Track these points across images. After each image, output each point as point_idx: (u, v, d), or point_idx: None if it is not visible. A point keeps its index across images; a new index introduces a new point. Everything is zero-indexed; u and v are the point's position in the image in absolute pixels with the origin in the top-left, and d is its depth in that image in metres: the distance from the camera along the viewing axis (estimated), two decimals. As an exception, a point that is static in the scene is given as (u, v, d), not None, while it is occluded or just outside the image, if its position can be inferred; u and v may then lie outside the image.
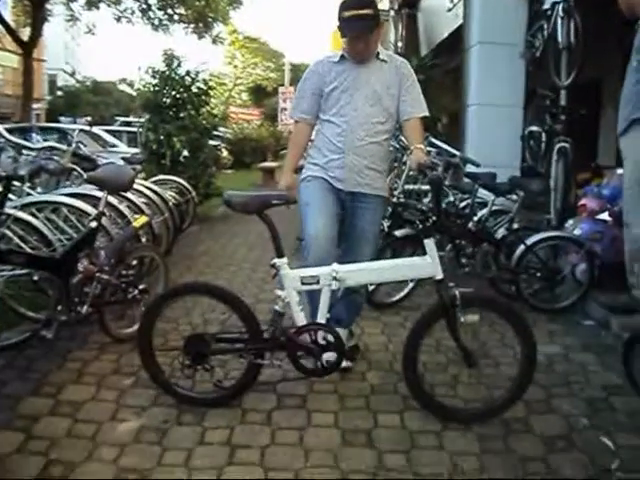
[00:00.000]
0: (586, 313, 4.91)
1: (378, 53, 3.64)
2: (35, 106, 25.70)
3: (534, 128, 6.93)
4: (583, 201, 5.43)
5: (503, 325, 3.29)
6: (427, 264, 3.18)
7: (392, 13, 16.79)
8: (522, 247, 5.04)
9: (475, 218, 5.38)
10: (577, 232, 5.20)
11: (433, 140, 6.12)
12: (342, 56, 3.65)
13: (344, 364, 3.55)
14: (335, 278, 3.15)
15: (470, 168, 6.01)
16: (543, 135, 6.65)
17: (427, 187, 5.94)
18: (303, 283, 3.21)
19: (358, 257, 3.61)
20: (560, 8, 5.99)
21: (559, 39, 6.03)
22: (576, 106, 6.34)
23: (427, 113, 3.78)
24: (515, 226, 5.35)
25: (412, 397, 3.27)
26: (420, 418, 3.20)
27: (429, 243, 3.19)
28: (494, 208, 5.45)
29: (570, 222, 5.41)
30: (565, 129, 6.07)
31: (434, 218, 3.38)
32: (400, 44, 15.62)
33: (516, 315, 3.20)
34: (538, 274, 5.13)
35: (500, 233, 5.34)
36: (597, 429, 3.11)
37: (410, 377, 3.21)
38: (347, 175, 3.63)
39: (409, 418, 3.20)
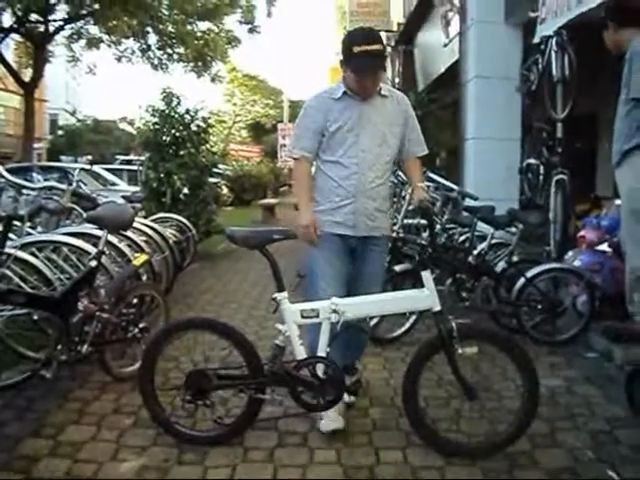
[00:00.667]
0: (588, 345, 4.88)
1: (380, 88, 3.58)
2: (36, 145, 25.93)
3: (532, 161, 6.97)
4: (582, 232, 5.45)
5: (503, 358, 3.27)
6: (425, 296, 3.20)
7: (389, 49, 17.04)
8: (522, 280, 5.04)
9: (475, 252, 5.39)
10: (577, 263, 5.20)
11: (431, 175, 6.16)
12: (344, 92, 3.56)
13: (347, 399, 3.54)
14: (335, 311, 3.15)
15: (469, 202, 6.04)
16: (541, 167, 6.68)
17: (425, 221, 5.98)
18: (303, 317, 3.22)
19: None
20: (554, 42, 6.07)
21: (554, 72, 6.09)
22: (573, 138, 6.38)
23: (427, 151, 3.80)
24: (515, 259, 5.36)
25: (414, 432, 3.25)
26: (422, 454, 3.17)
27: (426, 275, 3.20)
28: (493, 241, 5.46)
29: (570, 254, 5.42)
30: (562, 161, 6.11)
31: (430, 250, 3.38)
32: (397, 80, 15.81)
33: (516, 347, 3.18)
34: (539, 306, 5.12)
35: (500, 266, 5.35)
36: (602, 462, 3.08)
37: (411, 411, 3.19)
38: (358, 220, 3.58)
39: (412, 454, 3.17)
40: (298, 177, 3.73)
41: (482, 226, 5.57)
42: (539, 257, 5.72)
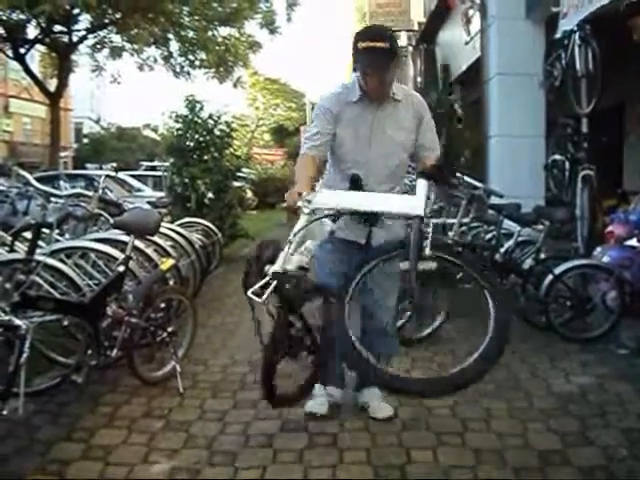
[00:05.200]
0: (619, 341, 4.82)
1: (394, 93, 3.44)
2: (62, 154, 26.25)
3: (557, 157, 6.91)
4: (610, 228, 5.38)
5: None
6: (415, 201, 3.04)
7: (410, 49, 17.00)
8: (550, 277, 5.00)
9: (501, 250, 5.35)
10: (606, 259, 5.14)
11: (456, 173, 6.11)
12: (361, 96, 3.44)
13: (388, 413, 3.54)
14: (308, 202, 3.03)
15: (494, 200, 6.00)
16: (566, 163, 6.62)
17: (452, 221, 5.93)
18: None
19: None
20: (577, 36, 6.01)
21: (577, 67, 6.04)
22: (598, 133, 6.32)
23: (438, 154, 3.60)
24: (542, 256, 5.31)
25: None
26: (453, 453, 3.16)
27: (421, 182, 3.03)
28: (520, 239, 5.42)
29: (598, 249, 5.35)
30: (588, 156, 6.05)
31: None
32: (419, 79, 15.76)
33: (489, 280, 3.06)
34: (568, 303, 5.08)
35: (527, 264, 5.30)
36: (636, 460, 3.04)
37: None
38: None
39: (442, 453, 3.16)
40: (299, 164, 3.46)
41: (508, 224, 5.54)
42: (567, 254, 5.66)
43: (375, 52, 3.22)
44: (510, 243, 5.40)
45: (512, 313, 2.99)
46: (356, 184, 3.23)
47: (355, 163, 3.44)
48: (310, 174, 3.35)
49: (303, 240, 3.08)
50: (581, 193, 5.98)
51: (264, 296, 2.93)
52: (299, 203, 3.05)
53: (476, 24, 9.34)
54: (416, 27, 16.20)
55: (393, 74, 3.38)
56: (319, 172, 3.61)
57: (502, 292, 3.07)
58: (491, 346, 2.81)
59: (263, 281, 2.95)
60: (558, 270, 5.01)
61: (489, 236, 6.04)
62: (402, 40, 18.88)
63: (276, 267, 2.95)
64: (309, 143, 3.45)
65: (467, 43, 10.27)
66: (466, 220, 6.11)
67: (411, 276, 2.94)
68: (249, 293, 2.96)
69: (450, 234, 5.43)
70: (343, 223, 3.30)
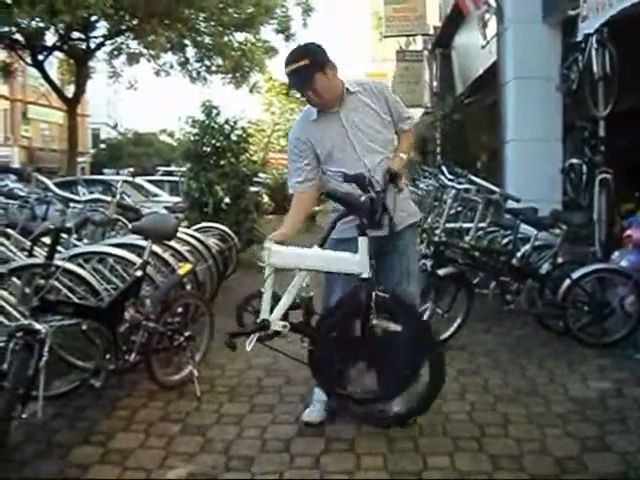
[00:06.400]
0: (638, 346, 4.78)
1: (346, 88, 3.52)
2: (80, 160, 26.43)
3: (574, 161, 6.87)
4: (629, 232, 5.33)
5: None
6: (356, 261, 3.24)
7: (426, 53, 16.99)
8: (568, 281, 4.97)
9: (518, 254, 5.33)
10: (624, 263, 5.10)
11: (472, 178, 6.10)
12: (318, 111, 3.55)
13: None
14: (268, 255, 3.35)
15: (511, 204, 5.98)
16: (584, 167, 6.58)
17: (469, 225, 5.92)
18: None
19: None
20: (594, 39, 5.98)
21: (594, 70, 6.01)
22: (616, 136, 6.28)
23: (412, 123, 3.75)
24: (560, 260, 5.27)
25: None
26: (470, 459, 3.14)
27: (362, 240, 3.22)
28: (537, 243, 5.39)
29: (616, 254, 5.32)
30: (606, 160, 6.01)
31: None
32: (435, 83, 15.75)
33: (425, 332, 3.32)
34: (586, 308, 5.04)
35: (545, 268, 5.27)
36: (655, 466, 3.01)
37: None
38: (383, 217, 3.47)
39: (459, 459, 3.15)
40: (296, 202, 3.68)
41: (525, 228, 5.51)
42: (584, 258, 5.62)
43: (295, 73, 3.42)
44: (527, 247, 5.37)
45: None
46: (362, 185, 3.27)
47: (350, 164, 3.47)
48: (296, 218, 3.64)
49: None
50: (599, 197, 5.94)
51: (248, 347, 3.36)
52: (263, 253, 3.40)
53: (492, 28, 9.32)
54: (432, 31, 16.19)
55: (328, 80, 3.45)
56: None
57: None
58: None
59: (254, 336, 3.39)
60: (576, 275, 4.97)
61: (506, 240, 6.02)
62: (418, 44, 18.91)
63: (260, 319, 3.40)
64: (293, 180, 3.65)
65: (483, 47, 10.24)
66: (483, 224, 6.11)
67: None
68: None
69: (466, 238, 5.42)
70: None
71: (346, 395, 3.43)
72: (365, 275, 3.21)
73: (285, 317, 3.39)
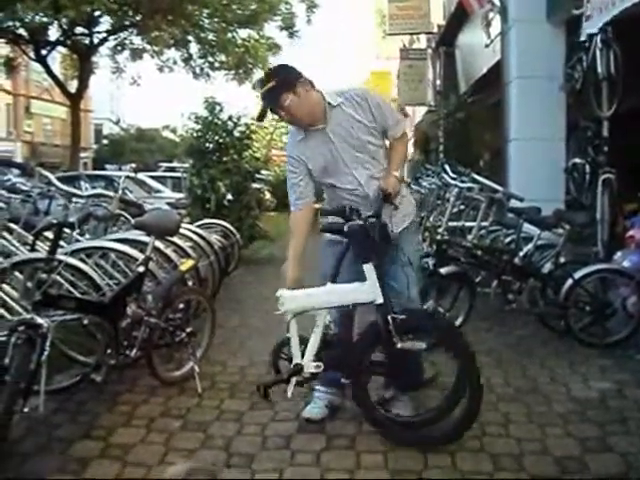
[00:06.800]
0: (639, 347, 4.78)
1: (327, 102, 3.48)
2: (83, 155, 26.45)
3: (577, 160, 6.87)
4: (631, 232, 5.33)
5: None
6: (366, 289, 3.24)
7: (430, 51, 16.96)
8: (570, 281, 4.96)
9: (520, 253, 5.32)
10: (626, 264, 5.10)
11: (475, 176, 6.10)
12: (303, 130, 3.55)
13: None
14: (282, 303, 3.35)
15: (514, 203, 5.97)
16: (587, 167, 6.58)
17: (471, 224, 5.92)
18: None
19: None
20: (598, 39, 5.97)
21: (599, 70, 6.00)
22: (619, 136, 6.27)
23: (402, 130, 3.69)
24: (562, 260, 5.27)
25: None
26: (472, 459, 3.14)
27: (368, 267, 3.22)
28: (539, 242, 5.38)
29: (618, 254, 5.31)
30: (609, 160, 6.00)
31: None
32: (438, 82, 15.74)
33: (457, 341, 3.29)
34: (587, 308, 5.03)
35: (547, 268, 5.27)
36: (656, 467, 3.01)
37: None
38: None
39: (460, 459, 3.14)
40: (294, 226, 3.67)
41: (528, 227, 5.50)
42: (587, 258, 5.62)
43: (264, 96, 3.48)
44: (529, 247, 5.36)
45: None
46: (343, 216, 3.30)
47: (342, 178, 3.54)
48: (298, 250, 3.58)
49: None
50: (601, 197, 5.93)
51: (289, 394, 3.42)
52: (279, 302, 3.38)
53: (496, 27, 9.30)
54: (436, 30, 16.17)
55: (299, 98, 3.42)
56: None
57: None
58: None
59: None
60: (578, 274, 4.97)
61: (508, 239, 6.01)
62: (422, 43, 18.89)
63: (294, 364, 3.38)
64: (293, 197, 3.66)
65: (487, 46, 10.22)
66: (485, 223, 6.10)
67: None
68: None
69: (469, 237, 5.41)
70: None
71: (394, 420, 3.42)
72: (379, 301, 3.21)
73: (319, 357, 3.38)
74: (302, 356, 3.37)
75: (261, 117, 3.63)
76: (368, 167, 3.52)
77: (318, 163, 3.53)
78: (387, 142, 3.66)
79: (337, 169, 3.53)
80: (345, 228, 3.24)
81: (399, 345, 3.15)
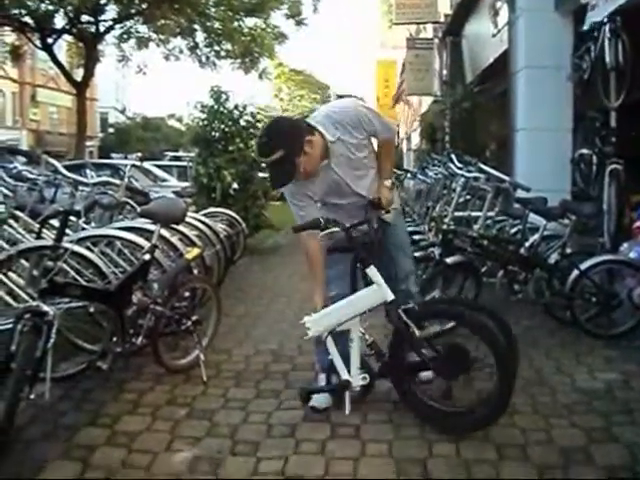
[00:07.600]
0: (645, 338, 4.77)
1: (330, 141, 3.46)
2: (88, 143, 26.45)
3: (584, 151, 6.83)
4: (638, 223, 5.31)
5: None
6: (376, 291, 3.29)
7: (436, 41, 16.87)
8: (576, 272, 4.94)
9: (527, 243, 5.31)
10: (632, 255, 5.08)
11: (482, 166, 6.07)
12: None
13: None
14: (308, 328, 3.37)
15: (520, 193, 5.95)
16: (594, 157, 6.54)
17: (477, 214, 5.90)
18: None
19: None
20: (607, 28, 5.92)
21: (607, 60, 5.96)
22: (627, 127, 6.24)
23: (390, 133, 3.77)
24: (568, 251, 5.25)
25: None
26: (476, 447, 3.14)
27: (371, 271, 3.30)
28: (546, 233, 5.36)
29: (625, 245, 5.29)
30: (616, 151, 5.97)
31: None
32: (445, 71, 15.66)
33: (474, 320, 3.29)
34: (593, 299, 5.01)
35: (553, 258, 5.25)
36: (662, 458, 3.00)
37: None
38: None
39: (464, 447, 3.14)
40: (311, 256, 3.59)
41: (534, 218, 5.48)
42: (593, 249, 5.59)
43: (275, 167, 3.39)
44: (536, 237, 5.34)
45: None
46: (326, 225, 3.36)
47: (347, 198, 3.65)
48: (320, 277, 3.58)
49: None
50: (608, 188, 5.90)
51: (347, 411, 3.37)
52: (307, 329, 3.38)
53: (504, 16, 9.25)
54: (442, 19, 16.07)
55: (310, 155, 3.38)
56: None
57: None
58: None
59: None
60: (584, 265, 4.95)
61: (514, 230, 6.00)
62: (428, 32, 18.79)
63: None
64: (304, 219, 3.55)
65: (494, 35, 10.17)
66: (492, 214, 6.08)
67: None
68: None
69: (475, 227, 5.39)
70: None
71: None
72: (389, 298, 3.26)
73: (363, 367, 3.42)
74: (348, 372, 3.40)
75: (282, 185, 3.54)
76: (364, 176, 3.66)
77: (321, 190, 3.60)
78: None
79: (340, 190, 3.62)
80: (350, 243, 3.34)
81: (418, 334, 3.19)
